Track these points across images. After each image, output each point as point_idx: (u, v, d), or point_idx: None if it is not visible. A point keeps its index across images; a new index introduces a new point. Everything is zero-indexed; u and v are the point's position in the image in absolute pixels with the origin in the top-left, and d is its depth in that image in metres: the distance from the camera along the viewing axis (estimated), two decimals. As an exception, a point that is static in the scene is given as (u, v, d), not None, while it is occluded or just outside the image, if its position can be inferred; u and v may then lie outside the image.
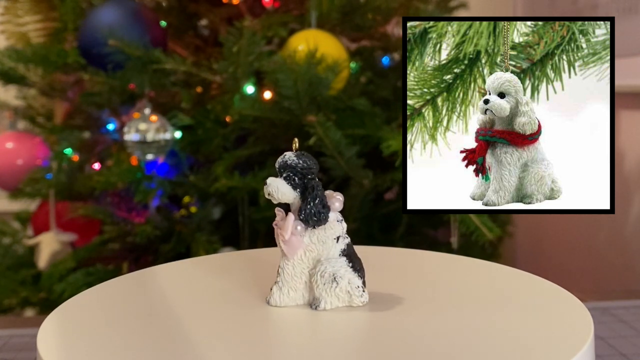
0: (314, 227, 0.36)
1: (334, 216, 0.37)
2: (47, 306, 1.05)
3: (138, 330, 0.34)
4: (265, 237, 1.03)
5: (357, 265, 0.37)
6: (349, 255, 0.37)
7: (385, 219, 1.09)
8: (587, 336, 0.31)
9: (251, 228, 1.00)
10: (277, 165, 0.37)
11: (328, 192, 0.37)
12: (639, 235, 1.02)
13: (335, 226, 0.37)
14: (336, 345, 0.32)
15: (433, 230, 1.15)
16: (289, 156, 0.37)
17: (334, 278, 0.36)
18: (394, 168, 0.89)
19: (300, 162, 0.36)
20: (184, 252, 0.99)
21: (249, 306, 0.37)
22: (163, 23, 1.06)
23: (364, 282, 0.37)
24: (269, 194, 0.36)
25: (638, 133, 1.02)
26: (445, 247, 0.95)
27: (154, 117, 0.93)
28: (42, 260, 1.04)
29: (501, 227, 0.93)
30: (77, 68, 1.00)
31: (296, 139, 0.37)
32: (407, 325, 0.34)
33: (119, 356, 0.31)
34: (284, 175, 0.36)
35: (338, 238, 0.37)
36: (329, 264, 0.36)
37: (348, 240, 0.37)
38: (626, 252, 1.06)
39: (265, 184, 0.36)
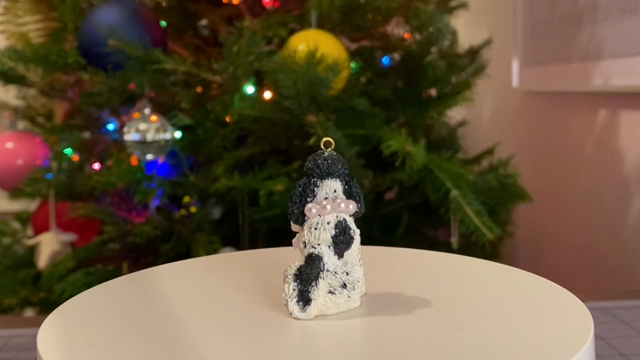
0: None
1: (307, 222, 0.35)
2: (47, 306, 1.05)
3: (138, 330, 0.34)
4: (265, 237, 1.03)
5: (305, 275, 0.35)
6: (306, 264, 0.35)
7: (385, 219, 1.10)
8: (587, 336, 0.31)
9: (251, 228, 1.00)
10: None
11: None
12: (639, 235, 1.02)
13: (304, 231, 0.36)
14: (329, 348, 0.32)
15: (433, 230, 1.15)
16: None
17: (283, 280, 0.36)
18: (394, 168, 0.89)
19: (308, 162, 0.36)
20: (184, 252, 0.99)
21: (250, 307, 0.37)
22: (163, 23, 1.06)
23: (302, 295, 0.35)
24: None
25: (638, 133, 1.02)
26: (445, 247, 0.95)
27: (154, 117, 0.94)
28: (42, 260, 1.04)
29: (501, 227, 0.93)
30: (77, 68, 1.00)
31: (326, 139, 0.36)
32: (405, 326, 0.34)
33: (119, 357, 0.31)
34: None
35: (305, 244, 0.36)
36: (290, 265, 0.36)
37: (315, 251, 0.35)
38: (626, 252, 1.06)
39: None
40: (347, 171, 0.37)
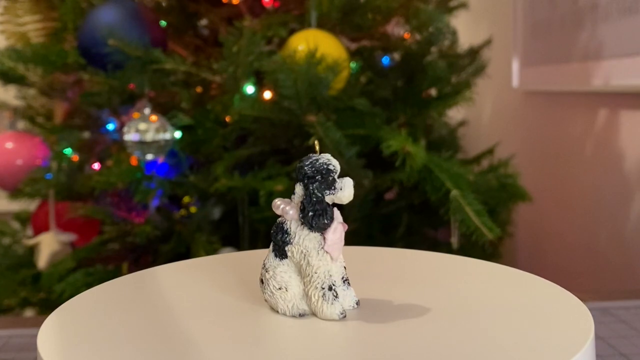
0: None
1: None
2: (47, 306, 1.05)
3: (138, 331, 0.34)
4: (265, 237, 1.03)
5: None
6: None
7: (385, 219, 1.10)
8: (587, 336, 0.31)
9: (251, 228, 1.00)
10: None
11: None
12: (639, 235, 1.02)
13: None
14: (326, 352, 0.32)
15: (433, 230, 1.15)
16: None
17: None
18: (394, 168, 0.89)
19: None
20: (184, 252, 0.99)
21: (250, 307, 0.37)
22: (163, 23, 1.06)
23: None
24: None
25: (638, 133, 1.02)
26: (445, 247, 0.95)
27: (153, 117, 0.93)
28: (42, 260, 1.04)
29: (501, 227, 0.93)
30: (77, 68, 1.00)
31: (316, 141, 0.37)
32: (404, 326, 0.34)
33: (119, 357, 0.31)
34: None
35: None
36: None
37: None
38: (627, 252, 1.06)
39: None
40: (308, 177, 0.35)
